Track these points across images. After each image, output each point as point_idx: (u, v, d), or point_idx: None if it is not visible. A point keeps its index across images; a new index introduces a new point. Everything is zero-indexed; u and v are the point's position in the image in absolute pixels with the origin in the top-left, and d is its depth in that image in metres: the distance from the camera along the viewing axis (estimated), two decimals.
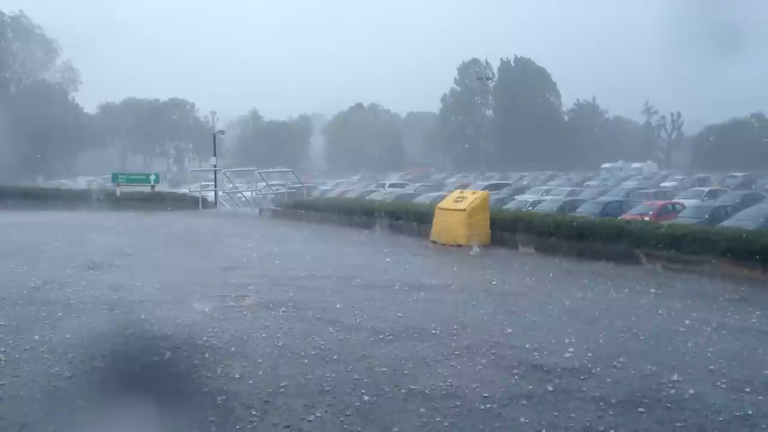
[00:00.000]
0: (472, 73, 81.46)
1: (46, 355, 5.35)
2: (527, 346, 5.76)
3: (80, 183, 47.53)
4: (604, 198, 27.99)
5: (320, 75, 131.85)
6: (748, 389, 4.73)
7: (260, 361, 5.31)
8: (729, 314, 7.10)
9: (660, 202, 24.91)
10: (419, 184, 41.88)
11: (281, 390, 4.64)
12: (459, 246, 12.59)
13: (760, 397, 4.58)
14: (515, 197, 29.51)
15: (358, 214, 16.94)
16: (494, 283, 8.96)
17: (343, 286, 8.51)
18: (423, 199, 26.56)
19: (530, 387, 4.75)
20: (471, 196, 13.80)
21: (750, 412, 4.31)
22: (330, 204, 20.38)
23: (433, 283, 8.87)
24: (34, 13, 68.44)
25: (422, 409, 4.33)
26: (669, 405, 4.44)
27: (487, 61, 78.67)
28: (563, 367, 5.19)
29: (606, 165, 63.78)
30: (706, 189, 33.82)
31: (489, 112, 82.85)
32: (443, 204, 14.08)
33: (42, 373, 4.93)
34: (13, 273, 9.01)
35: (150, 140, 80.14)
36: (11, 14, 65.46)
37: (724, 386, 4.78)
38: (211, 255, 11.64)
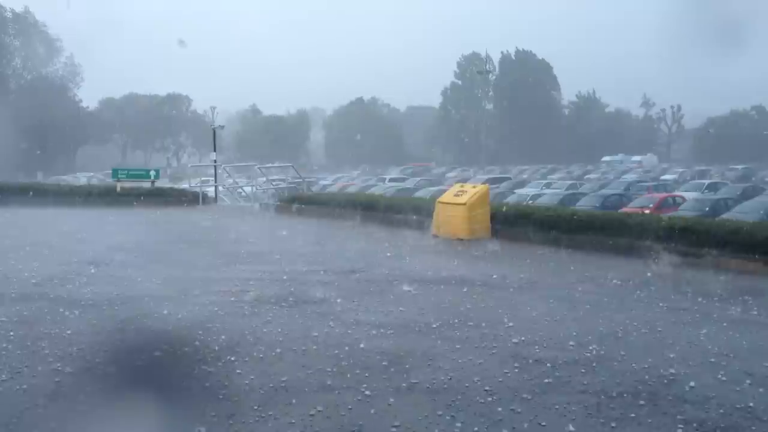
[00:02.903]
0: (472, 66, 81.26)
1: (47, 351, 5.35)
2: (528, 339, 5.77)
3: (80, 179, 47.45)
4: (605, 191, 27.96)
5: (320, 69, 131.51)
6: (748, 381, 4.74)
7: (261, 356, 5.31)
8: (729, 307, 7.10)
9: (660, 195, 24.90)
10: (419, 179, 41.78)
11: (282, 385, 4.65)
12: (459, 240, 12.60)
13: (760, 390, 4.59)
14: (516, 191, 29.46)
15: (358, 209, 16.93)
16: (494, 276, 8.96)
17: (344, 281, 8.51)
18: (423, 193, 26.51)
19: (531, 380, 4.75)
20: (471, 190, 13.80)
21: (751, 404, 4.32)
22: (330, 199, 20.37)
23: (433, 277, 8.87)
24: (35, 10, 68.12)
25: (423, 403, 4.33)
26: (670, 398, 4.44)
27: (487, 55, 78.47)
28: (564, 360, 5.20)
29: (606, 158, 63.68)
30: (707, 182, 33.79)
31: (489, 106, 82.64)
32: (443, 198, 14.08)
33: (43, 369, 4.94)
34: (14, 269, 9.01)
35: (150, 136, 79.99)
36: (13, 11, 65.24)
37: (724, 378, 4.79)
38: (212, 250, 11.64)
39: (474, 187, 14.71)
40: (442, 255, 11.31)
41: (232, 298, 7.38)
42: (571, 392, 4.52)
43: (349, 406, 4.29)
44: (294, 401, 4.37)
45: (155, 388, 4.64)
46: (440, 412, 4.19)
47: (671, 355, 5.33)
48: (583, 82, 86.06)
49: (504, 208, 13.99)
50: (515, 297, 7.64)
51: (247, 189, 28.46)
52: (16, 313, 6.59)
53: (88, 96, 75.53)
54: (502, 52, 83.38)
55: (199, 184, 26.42)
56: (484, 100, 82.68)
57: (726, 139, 68.61)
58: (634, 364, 5.09)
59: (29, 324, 6.18)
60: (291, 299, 7.33)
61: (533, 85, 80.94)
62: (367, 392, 4.52)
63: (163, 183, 30.45)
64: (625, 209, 19.27)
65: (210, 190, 26.44)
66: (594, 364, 5.10)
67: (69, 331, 5.92)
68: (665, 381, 4.75)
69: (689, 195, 25.71)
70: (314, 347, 5.53)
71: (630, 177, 42.22)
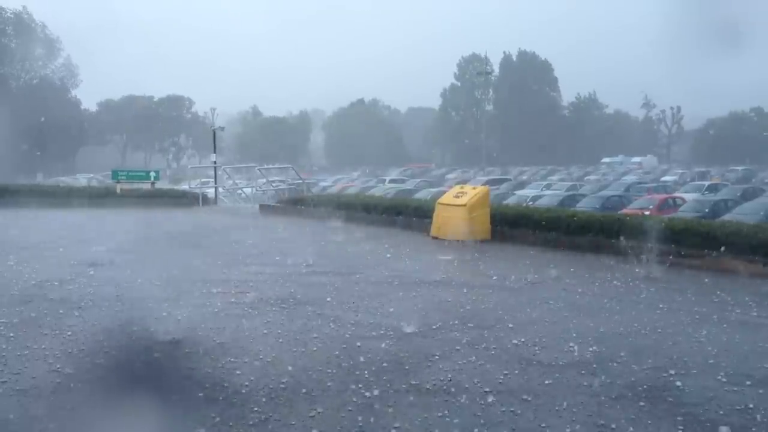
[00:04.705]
0: (472, 68, 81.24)
1: (47, 353, 5.35)
2: (528, 340, 5.77)
3: (80, 180, 47.47)
4: (605, 192, 27.97)
5: (321, 72, 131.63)
6: (748, 382, 4.74)
7: (261, 357, 5.31)
8: (729, 308, 7.11)
9: (660, 197, 24.92)
10: (419, 180, 41.82)
11: (282, 386, 4.65)
12: (459, 241, 12.60)
13: (760, 391, 4.59)
14: (515, 192, 29.50)
15: (358, 210, 16.94)
16: (495, 278, 8.97)
17: (344, 282, 8.51)
18: (423, 194, 26.53)
19: (531, 382, 4.75)
20: (471, 192, 13.80)
21: (750, 405, 4.32)
22: (330, 200, 20.38)
23: (433, 279, 8.88)
24: (35, 10, 68.02)
25: (424, 405, 4.33)
26: (670, 399, 4.45)
27: (486, 56, 78.43)
28: (564, 361, 5.20)
29: (606, 159, 63.76)
30: (707, 183, 33.86)
31: (489, 107, 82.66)
32: (443, 199, 14.08)
33: (44, 370, 4.94)
34: (14, 271, 9.01)
35: (149, 137, 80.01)
36: (13, 11, 65.19)
37: (724, 380, 4.79)
38: (212, 251, 11.65)
39: (474, 188, 14.72)
40: (441, 256, 11.31)
41: (232, 300, 7.38)
42: (571, 394, 4.52)
43: (350, 408, 4.28)
44: (294, 403, 4.37)
45: (155, 390, 4.64)
46: (440, 414, 4.19)
47: (671, 356, 5.33)
48: (583, 83, 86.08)
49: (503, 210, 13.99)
50: (515, 298, 7.64)
51: (247, 190, 28.49)
52: (17, 314, 6.59)
53: (88, 97, 75.62)
54: (504, 53, 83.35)
55: (198, 186, 26.45)
56: (484, 101, 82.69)
57: (726, 140, 68.66)
58: (634, 366, 5.09)
59: (29, 325, 6.18)
60: (291, 300, 7.34)
61: (533, 86, 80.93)
62: (367, 394, 4.52)
63: (163, 184, 30.47)
64: (625, 210, 19.26)
65: (210, 192, 26.48)
66: (594, 366, 5.10)
67: (69, 333, 5.92)
68: (665, 382, 4.75)
69: (689, 196, 25.74)
70: (314, 349, 5.53)
71: (630, 178, 42.29)
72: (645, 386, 4.66)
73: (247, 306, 7.07)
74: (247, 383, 4.71)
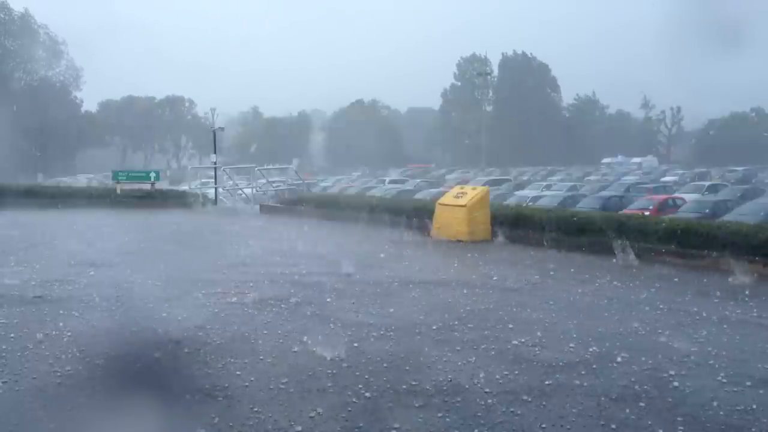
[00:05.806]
0: (471, 68, 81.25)
1: (47, 353, 5.35)
2: (528, 341, 5.77)
3: (80, 181, 47.42)
4: (605, 193, 27.90)
5: (320, 71, 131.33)
6: (748, 383, 4.74)
7: (261, 357, 5.31)
8: (729, 308, 7.11)
9: (660, 197, 24.88)
10: (419, 180, 41.71)
11: (282, 387, 4.65)
12: (460, 241, 12.60)
13: (760, 391, 4.59)
14: (516, 193, 29.45)
15: (358, 211, 16.93)
16: (495, 278, 8.97)
17: (344, 282, 8.51)
18: (423, 195, 26.50)
19: (531, 382, 4.75)
20: (471, 192, 13.81)
21: (751, 406, 4.31)
22: (330, 201, 20.38)
23: (433, 279, 8.87)
24: (36, 12, 68.00)
25: (423, 405, 4.33)
26: (670, 399, 4.44)
27: (486, 57, 78.45)
28: (564, 362, 5.20)
29: (606, 160, 63.69)
30: (707, 183, 33.78)
31: (489, 108, 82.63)
32: (444, 200, 14.10)
33: (44, 371, 4.93)
34: (15, 271, 9.01)
35: (149, 137, 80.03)
36: (18, 13, 65.20)
37: (725, 380, 4.79)
38: (211, 252, 11.64)
39: (474, 189, 14.73)
40: (442, 257, 11.31)
41: (233, 300, 7.38)
42: (571, 394, 4.52)
43: (349, 408, 4.28)
44: (294, 403, 4.37)
45: (155, 390, 4.64)
46: (440, 414, 4.19)
47: (671, 357, 5.33)
48: (583, 84, 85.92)
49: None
50: (515, 299, 7.64)
51: (247, 191, 28.49)
52: (17, 314, 6.59)
53: (89, 98, 75.59)
54: (503, 53, 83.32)
55: (199, 186, 26.47)
56: (484, 101, 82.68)
57: (726, 141, 68.62)
58: (634, 366, 5.09)
59: (30, 326, 6.18)
60: (290, 300, 7.33)
61: (533, 86, 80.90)
62: (367, 394, 4.52)
63: (163, 185, 30.45)
64: (625, 211, 19.24)
65: (210, 192, 26.50)
66: (594, 366, 5.10)
67: (69, 333, 5.92)
68: (665, 382, 4.75)
69: (689, 197, 25.69)
70: (314, 349, 5.53)
71: (630, 179, 42.18)
72: (645, 386, 4.66)
73: (247, 306, 7.07)
74: (247, 383, 4.71)
